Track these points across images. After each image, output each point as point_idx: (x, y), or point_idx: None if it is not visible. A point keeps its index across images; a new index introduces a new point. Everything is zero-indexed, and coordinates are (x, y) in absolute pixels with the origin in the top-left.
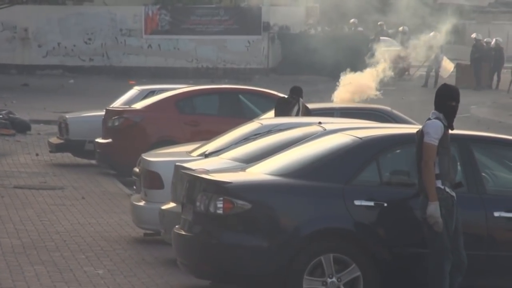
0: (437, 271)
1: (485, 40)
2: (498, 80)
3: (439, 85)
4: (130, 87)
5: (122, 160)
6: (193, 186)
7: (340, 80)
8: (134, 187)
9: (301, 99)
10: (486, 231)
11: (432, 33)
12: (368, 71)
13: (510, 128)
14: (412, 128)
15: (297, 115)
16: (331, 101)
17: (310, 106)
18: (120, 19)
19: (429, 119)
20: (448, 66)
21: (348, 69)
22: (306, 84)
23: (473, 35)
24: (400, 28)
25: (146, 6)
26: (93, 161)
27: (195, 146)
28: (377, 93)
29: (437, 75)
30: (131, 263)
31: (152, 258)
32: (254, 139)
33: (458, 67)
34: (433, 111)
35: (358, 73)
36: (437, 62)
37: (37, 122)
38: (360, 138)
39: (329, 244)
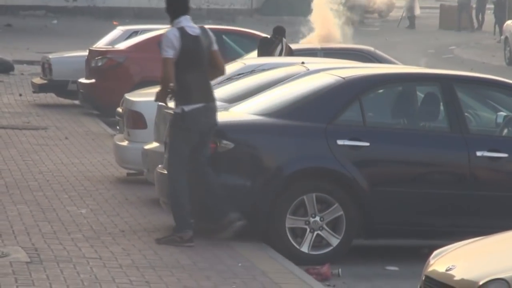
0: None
1: None
2: (482, 21)
3: (416, 26)
4: (113, 27)
5: (105, 100)
6: None
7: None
8: (118, 127)
9: (284, 39)
10: (468, 171)
11: None
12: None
13: (493, 69)
14: (395, 68)
15: (280, 55)
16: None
17: (293, 46)
18: None
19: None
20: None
21: None
22: (289, 24)
23: None
24: None
25: None
26: (76, 101)
27: None
28: None
29: (412, 15)
30: (114, 202)
31: (135, 198)
32: (237, 79)
33: (441, 8)
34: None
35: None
36: (412, 2)
37: (20, 62)
38: (343, 78)
39: (312, 184)
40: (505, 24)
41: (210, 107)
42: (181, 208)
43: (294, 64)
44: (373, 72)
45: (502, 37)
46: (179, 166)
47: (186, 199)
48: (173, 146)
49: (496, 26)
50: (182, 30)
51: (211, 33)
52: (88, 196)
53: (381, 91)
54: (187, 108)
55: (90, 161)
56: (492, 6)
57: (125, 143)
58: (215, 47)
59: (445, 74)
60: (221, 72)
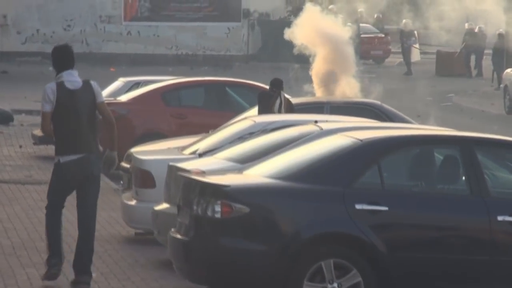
0: None
1: None
2: (480, 68)
3: (414, 72)
4: (109, 74)
5: None
6: (189, 188)
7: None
8: (121, 182)
9: (282, 92)
10: (489, 236)
11: (404, 21)
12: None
13: (493, 118)
14: (413, 129)
15: (279, 109)
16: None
17: (300, 99)
18: (99, 5)
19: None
20: (415, 52)
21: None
22: (286, 71)
23: (467, 25)
24: (375, 16)
25: None
26: None
27: (186, 143)
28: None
29: (408, 61)
30: (124, 265)
31: (145, 260)
32: (249, 138)
33: (438, 54)
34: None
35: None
36: (408, 48)
37: (19, 112)
38: (361, 140)
39: (330, 249)
40: (504, 72)
41: (86, 159)
42: (48, 239)
43: (306, 123)
44: (392, 134)
45: (502, 85)
46: (49, 211)
47: (51, 236)
48: (49, 192)
49: (494, 73)
50: (60, 85)
51: (95, 87)
52: (97, 258)
53: (399, 153)
54: (62, 159)
55: (96, 218)
56: (490, 51)
57: (133, 202)
58: (100, 99)
59: (465, 136)
60: (109, 123)
